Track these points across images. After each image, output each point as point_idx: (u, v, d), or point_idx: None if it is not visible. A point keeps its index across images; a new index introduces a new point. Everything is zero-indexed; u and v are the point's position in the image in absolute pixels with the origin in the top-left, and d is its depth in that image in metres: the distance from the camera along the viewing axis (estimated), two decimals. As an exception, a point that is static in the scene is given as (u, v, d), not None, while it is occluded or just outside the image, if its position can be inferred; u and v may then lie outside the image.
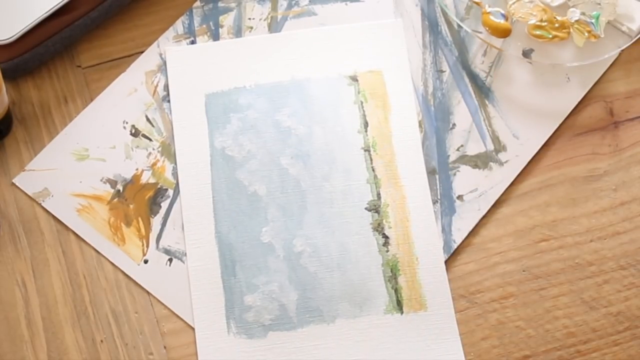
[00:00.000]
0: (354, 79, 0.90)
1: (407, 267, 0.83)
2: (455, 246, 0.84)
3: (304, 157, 0.87)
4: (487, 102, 0.90)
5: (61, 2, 0.89)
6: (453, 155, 0.88)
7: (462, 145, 0.88)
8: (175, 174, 0.87)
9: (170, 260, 0.84)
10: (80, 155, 0.88)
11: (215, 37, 0.93)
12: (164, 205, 0.86)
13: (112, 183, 0.87)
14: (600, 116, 0.90)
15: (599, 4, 0.92)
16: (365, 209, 0.85)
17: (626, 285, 0.84)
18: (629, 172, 0.88)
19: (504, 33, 0.91)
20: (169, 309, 0.82)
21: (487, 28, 0.91)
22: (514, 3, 0.92)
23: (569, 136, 0.89)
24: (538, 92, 0.91)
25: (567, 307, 0.83)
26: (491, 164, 0.87)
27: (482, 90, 0.90)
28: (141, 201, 0.86)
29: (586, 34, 0.91)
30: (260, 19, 0.94)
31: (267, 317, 0.81)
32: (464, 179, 0.87)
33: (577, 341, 0.82)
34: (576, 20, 0.91)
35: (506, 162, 0.87)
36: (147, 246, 0.84)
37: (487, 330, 0.82)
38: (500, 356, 0.81)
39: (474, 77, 0.91)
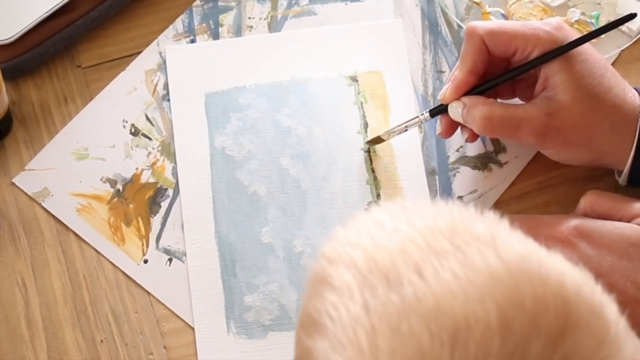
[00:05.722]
0: (354, 79, 0.90)
1: (406, 269, 0.83)
2: (454, 247, 0.84)
3: (304, 158, 0.87)
4: (487, 102, 0.90)
5: (61, 2, 0.88)
6: (453, 156, 0.88)
7: (461, 146, 0.88)
8: (175, 173, 0.87)
9: (170, 260, 0.84)
10: (80, 155, 0.88)
11: (215, 36, 0.93)
12: (164, 205, 0.86)
13: (112, 182, 0.87)
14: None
15: (599, 4, 0.92)
16: (366, 210, 0.85)
17: (626, 286, 0.84)
18: (628, 173, 0.88)
19: (504, 33, 0.91)
20: (168, 309, 0.82)
21: (487, 28, 0.91)
22: (514, 3, 0.92)
23: (568, 136, 0.89)
24: (538, 92, 0.91)
25: (566, 307, 0.83)
26: (491, 165, 0.87)
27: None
28: (141, 201, 0.86)
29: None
30: (260, 18, 0.94)
31: (267, 318, 0.81)
32: (464, 180, 0.87)
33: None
34: (576, 20, 0.91)
35: (506, 163, 0.87)
36: (147, 246, 0.84)
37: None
38: (500, 356, 0.81)
39: (474, 77, 0.91)
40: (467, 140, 0.84)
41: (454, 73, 0.82)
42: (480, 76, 0.81)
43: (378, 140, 0.86)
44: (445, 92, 0.82)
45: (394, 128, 0.85)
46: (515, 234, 0.50)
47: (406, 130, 0.85)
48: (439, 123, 0.84)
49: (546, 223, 0.77)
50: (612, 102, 0.79)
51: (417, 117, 0.84)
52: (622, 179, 0.82)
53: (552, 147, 0.80)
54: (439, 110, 0.83)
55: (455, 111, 0.81)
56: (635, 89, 0.81)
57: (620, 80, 0.80)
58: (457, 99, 0.81)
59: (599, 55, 0.80)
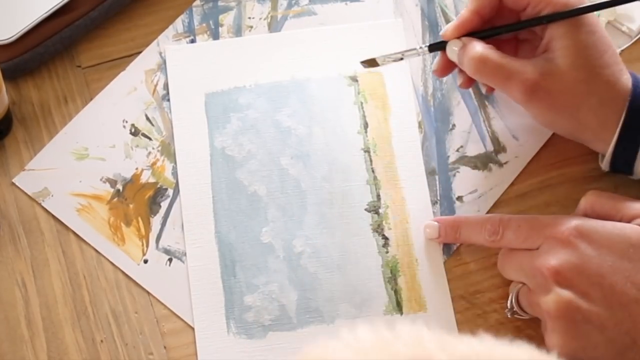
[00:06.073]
0: (354, 79, 0.90)
1: (406, 268, 0.83)
2: (454, 247, 0.84)
3: (304, 158, 0.87)
4: (486, 102, 0.90)
5: (61, 2, 0.89)
6: (453, 156, 0.88)
7: (461, 146, 0.88)
8: (175, 173, 0.87)
9: (170, 260, 0.84)
10: (80, 155, 0.88)
11: (215, 36, 0.93)
12: (164, 205, 0.86)
13: (112, 182, 0.87)
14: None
15: (599, 4, 0.92)
16: (365, 210, 0.85)
17: (626, 286, 0.84)
18: (628, 173, 0.88)
19: (503, 33, 0.91)
20: (169, 309, 0.82)
21: (487, 28, 0.91)
22: (514, 3, 0.92)
23: (568, 136, 0.89)
24: (538, 92, 0.91)
25: (566, 307, 0.83)
26: (491, 164, 0.88)
27: (482, 91, 0.90)
28: (141, 201, 0.86)
29: (586, 34, 0.91)
30: (260, 18, 0.94)
31: (267, 318, 0.81)
32: (464, 180, 0.87)
33: (577, 342, 0.82)
34: (576, 20, 0.91)
35: (506, 163, 0.87)
36: (147, 246, 0.84)
37: (487, 330, 0.81)
38: (500, 356, 0.81)
39: (474, 78, 0.91)
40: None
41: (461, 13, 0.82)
42: (486, 21, 0.81)
43: (373, 63, 0.84)
44: (447, 28, 0.82)
45: (390, 54, 0.84)
46: (440, 337, 0.49)
47: (402, 59, 0.84)
48: (436, 60, 0.84)
49: (546, 223, 0.77)
50: (606, 79, 0.79)
51: (415, 48, 0.84)
52: (604, 164, 0.83)
53: (537, 107, 0.80)
54: (439, 47, 0.83)
55: (453, 50, 0.81)
56: (631, 73, 0.81)
57: (619, 61, 0.81)
58: (458, 38, 0.81)
59: (605, 33, 0.80)
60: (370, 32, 0.93)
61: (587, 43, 0.79)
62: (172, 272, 0.83)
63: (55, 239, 0.84)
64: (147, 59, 0.92)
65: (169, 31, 0.93)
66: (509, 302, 0.79)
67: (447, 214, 0.85)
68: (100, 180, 0.87)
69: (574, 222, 0.75)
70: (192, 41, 0.93)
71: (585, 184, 0.87)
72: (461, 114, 0.89)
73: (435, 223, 0.83)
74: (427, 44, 0.83)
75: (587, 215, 0.79)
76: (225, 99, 0.90)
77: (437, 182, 0.87)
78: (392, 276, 0.83)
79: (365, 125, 0.88)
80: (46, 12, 0.88)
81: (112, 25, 0.93)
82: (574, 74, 0.78)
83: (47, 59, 0.91)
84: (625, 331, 0.72)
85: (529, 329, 0.81)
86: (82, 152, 0.88)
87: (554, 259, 0.73)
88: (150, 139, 0.88)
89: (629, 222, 0.76)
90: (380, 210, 0.85)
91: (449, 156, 0.88)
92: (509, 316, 0.80)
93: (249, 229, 0.84)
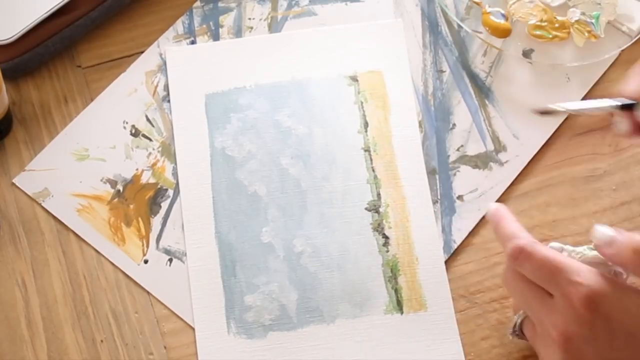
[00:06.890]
0: (354, 79, 0.90)
1: (407, 268, 0.83)
2: (455, 246, 0.84)
3: (304, 157, 0.87)
4: (487, 102, 0.90)
5: (61, 2, 0.89)
6: (453, 156, 0.88)
7: (462, 146, 0.88)
8: (175, 174, 0.87)
9: (170, 260, 0.84)
10: (80, 155, 0.88)
11: (216, 37, 0.93)
12: (164, 205, 0.86)
13: (112, 183, 0.87)
14: (601, 116, 0.90)
15: (599, 4, 0.92)
16: (366, 209, 0.85)
17: (626, 286, 0.84)
18: (629, 172, 0.88)
19: (504, 33, 0.91)
20: (169, 309, 0.82)
21: (487, 28, 0.91)
22: (514, 3, 0.92)
23: (569, 136, 0.89)
24: (538, 92, 0.91)
25: (567, 307, 0.83)
26: (491, 164, 0.88)
27: (482, 90, 0.90)
28: (141, 201, 0.86)
29: (586, 34, 0.91)
30: (261, 19, 0.94)
31: (267, 317, 0.81)
32: (464, 179, 0.87)
33: (577, 341, 0.81)
34: (576, 20, 0.91)
35: (506, 162, 0.88)
36: (147, 246, 0.84)
37: (487, 330, 0.82)
38: (500, 356, 0.81)
39: (474, 77, 0.91)
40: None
41: None
42: None
43: (551, 112, 0.79)
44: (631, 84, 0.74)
45: (584, 108, 0.78)
46: None
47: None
48: (623, 122, 0.76)
49: (567, 279, 0.69)
50: None
51: (605, 107, 0.75)
52: None
53: None
54: (629, 107, 0.74)
55: None
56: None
57: None
58: None
59: None
60: (370, 32, 0.93)
61: None
62: (172, 272, 0.83)
63: (55, 239, 0.84)
64: (147, 60, 0.92)
65: (170, 32, 0.93)
66: (513, 324, 0.77)
67: (447, 213, 0.85)
68: (101, 180, 0.87)
69: (592, 287, 0.68)
70: (193, 42, 0.93)
71: (586, 183, 0.87)
72: (461, 113, 0.90)
73: (496, 204, 0.77)
74: (620, 104, 0.75)
75: None
76: (226, 99, 0.90)
77: (438, 181, 0.87)
78: (392, 275, 0.83)
79: (366, 125, 0.88)
80: (46, 12, 0.88)
81: (112, 25, 0.93)
82: None
83: (47, 59, 0.91)
84: None
85: (529, 328, 0.81)
86: (83, 152, 0.88)
87: (565, 324, 0.69)
88: (150, 139, 0.88)
89: None
90: (381, 209, 0.85)
91: (449, 155, 0.88)
92: (510, 338, 0.78)
93: (249, 229, 0.84)
